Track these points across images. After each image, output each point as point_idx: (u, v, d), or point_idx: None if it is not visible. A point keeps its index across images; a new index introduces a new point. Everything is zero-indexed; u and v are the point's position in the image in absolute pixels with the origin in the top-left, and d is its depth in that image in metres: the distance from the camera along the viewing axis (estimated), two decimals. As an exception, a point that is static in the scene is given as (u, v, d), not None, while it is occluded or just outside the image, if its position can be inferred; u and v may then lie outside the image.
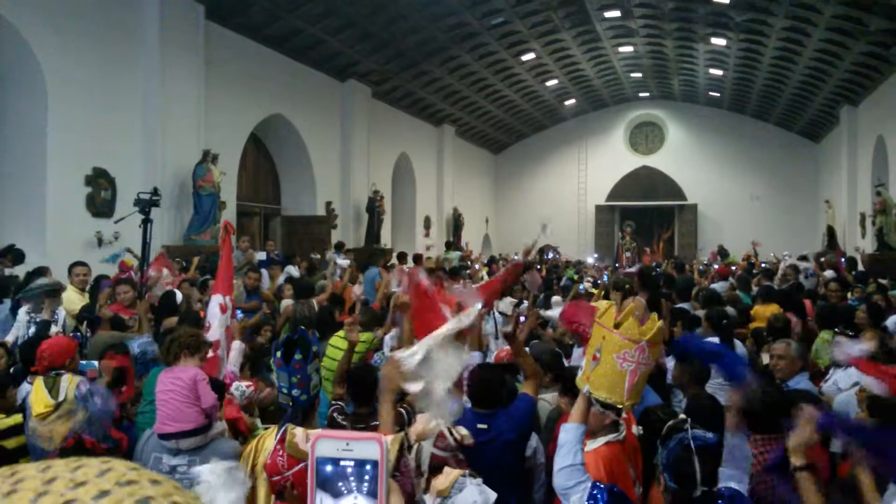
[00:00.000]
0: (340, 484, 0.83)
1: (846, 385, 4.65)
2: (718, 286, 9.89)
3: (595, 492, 2.36)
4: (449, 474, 2.36)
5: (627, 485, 2.96)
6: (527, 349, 5.22)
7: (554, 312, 6.64)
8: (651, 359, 2.46)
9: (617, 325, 2.46)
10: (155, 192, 6.96)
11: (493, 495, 2.52)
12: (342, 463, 0.84)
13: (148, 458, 3.34)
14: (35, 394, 3.95)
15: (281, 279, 9.91)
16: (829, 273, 10.24)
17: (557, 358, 4.90)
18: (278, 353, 3.24)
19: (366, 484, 0.83)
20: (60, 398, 3.89)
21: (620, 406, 2.48)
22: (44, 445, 3.71)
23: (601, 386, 2.46)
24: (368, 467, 0.83)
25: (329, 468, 0.84)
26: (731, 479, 2.53)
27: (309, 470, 0.84)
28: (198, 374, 3.53)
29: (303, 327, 5.44)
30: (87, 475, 0.56)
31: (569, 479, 2.44)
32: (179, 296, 6.86)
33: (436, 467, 2.62)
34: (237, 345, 4.72)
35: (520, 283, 9.76)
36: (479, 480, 2.52)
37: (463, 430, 2.76)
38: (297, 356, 3.19)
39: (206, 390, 3.47)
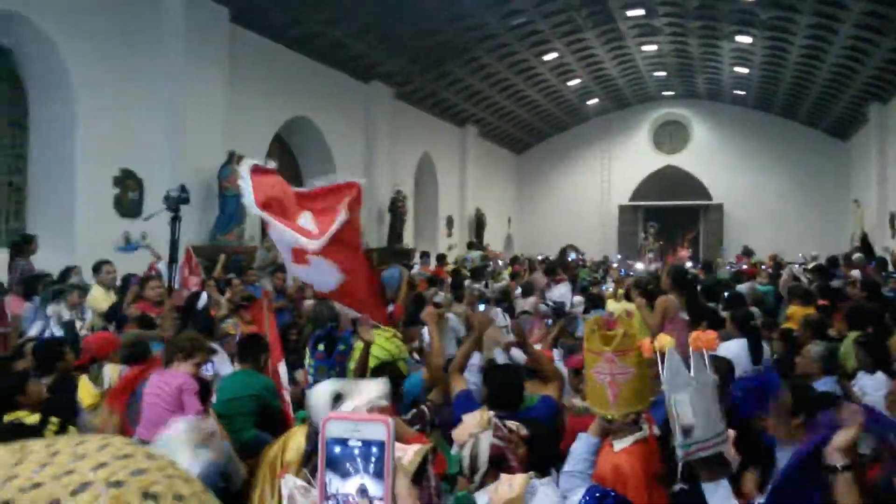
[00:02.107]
0: (348, 465, 0.86)
1: (873, 390, 4.58)
2: (745, 287, 9.78)
3: (587, 496, 2.34)
4: (512, 481, 2.21)
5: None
6: (556, 350, 5.21)
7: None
8: (629, 366, 2.49)
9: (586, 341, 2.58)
10: (183, 189, 7.03)
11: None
12: (350, 444, 0.86)
13: None
14: (82, 389, 4.03)
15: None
16: (855, 273, 10.10)
17: None
18: (320, 347, 3.24)
19: (372, 465, 0.86)
20: (105, 386, 3.99)
21: (611, 417, 2.57)
22: None
23: (592, 400, 2.59)
24: (375, 449, 0.86)
25: (338, 449, 0.87)
26: None
27: (319, 451, 0.87)
28: (185, 384, 3.51)
29: (330, 325, 5.44)
30: (88, 449, 0.59)
31: (568, 483, 2.53)
32: (205, 297, 6.93)
33: (495, 459, 2.59)
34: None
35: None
36: (549, 479, 2.47)
37: (511, 423, 2.77)
38: (342, 347, 3.22)
39: (191, 401, 3.47)
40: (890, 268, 12.49)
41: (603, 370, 2.51)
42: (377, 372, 4.01)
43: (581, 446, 2.63)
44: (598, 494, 2.25)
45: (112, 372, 4.02)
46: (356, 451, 0.86)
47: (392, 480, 0.86)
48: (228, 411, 4.24)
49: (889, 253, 14.49)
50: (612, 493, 2.35)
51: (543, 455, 2.95)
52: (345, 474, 0.86)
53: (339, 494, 0.86)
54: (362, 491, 0.86)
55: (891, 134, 17.06)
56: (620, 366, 2.48)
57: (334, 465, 0.86)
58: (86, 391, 4.00)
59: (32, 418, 3.91)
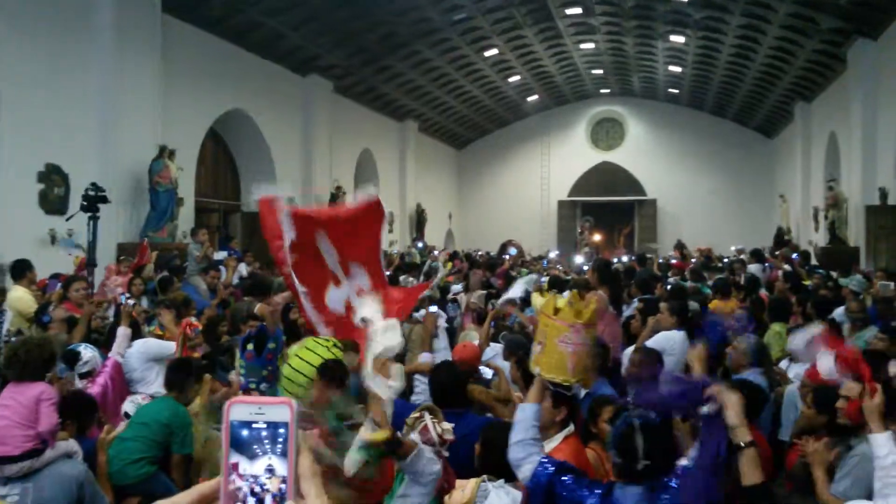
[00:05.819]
0: (255, 447, 0.88)
1: (795, 377, 4.78)
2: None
3: (545, 460, 2.47)
4: (465, 486, 2.25)
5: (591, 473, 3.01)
6: (499, 344, 5.25)
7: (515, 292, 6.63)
8: (587, 339, 2.67)
9: (556, 313, 2.68)
10: (98, 187, 6.81)
11: (518, 494, 2.50)
12: (255, 426, 0.88)
13: None
14: None
15: (235, 278, 9.71)
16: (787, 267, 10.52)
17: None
18: (249, 346, 3.19)
19: (279, 445, 0.88)
20: None
21: (568, 384, 2.68)
22: None
23: (549, 368, 2.67)
24: (281, 430, 0.88)
25: (245, 432, 0.88)
26: None
27: (223, 434, 0.88)
28: (43, 393, 3.17)
29: (260, 324, 5.36)
30: None
31: (521, 451, 2.54)
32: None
33: None
34: (122, 331, 4.60)
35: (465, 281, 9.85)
36: (501, 481, 2.47)
37: (446, 425, 2.74)
38: (271, 345, 3.18)
39: (48, 412, 3.12)
40: (813, 260, 13.04)
41: (568, 339, 2.63)
42: (330, 364, 3.95)
43: (527, 414, 2.65)
44: (563, 464, 2.40)
45: None
46: (263, 433, 0.88)
47: (295, 460, 0.88)
48: (130, 435, 3.86)
49: (812, 246, 15.13)
50: (557, 462, 2.48)
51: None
52: (253, 456, 0.88)
53: (248, 475, 0.87)
54: (270, 470, 0.88)
55: (814, 132, 17.80)
56: (584, 338, 2.65)
57: (243, 447, 0.88)
58: None
59: None
